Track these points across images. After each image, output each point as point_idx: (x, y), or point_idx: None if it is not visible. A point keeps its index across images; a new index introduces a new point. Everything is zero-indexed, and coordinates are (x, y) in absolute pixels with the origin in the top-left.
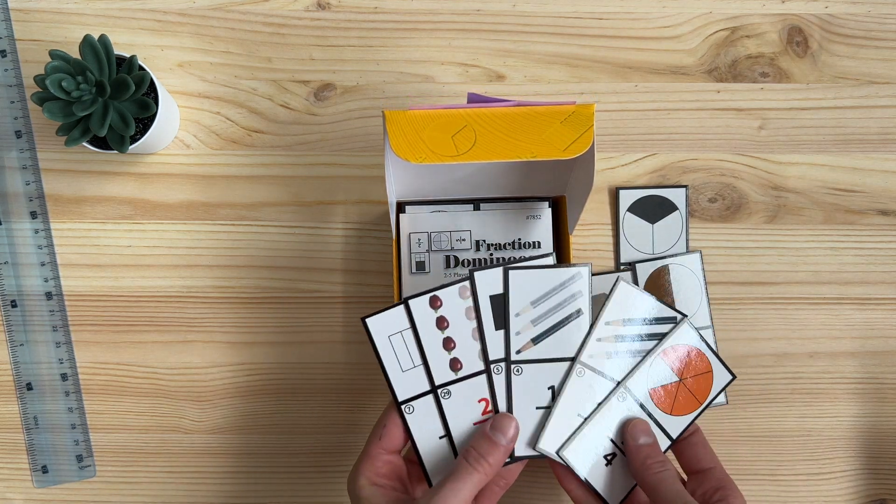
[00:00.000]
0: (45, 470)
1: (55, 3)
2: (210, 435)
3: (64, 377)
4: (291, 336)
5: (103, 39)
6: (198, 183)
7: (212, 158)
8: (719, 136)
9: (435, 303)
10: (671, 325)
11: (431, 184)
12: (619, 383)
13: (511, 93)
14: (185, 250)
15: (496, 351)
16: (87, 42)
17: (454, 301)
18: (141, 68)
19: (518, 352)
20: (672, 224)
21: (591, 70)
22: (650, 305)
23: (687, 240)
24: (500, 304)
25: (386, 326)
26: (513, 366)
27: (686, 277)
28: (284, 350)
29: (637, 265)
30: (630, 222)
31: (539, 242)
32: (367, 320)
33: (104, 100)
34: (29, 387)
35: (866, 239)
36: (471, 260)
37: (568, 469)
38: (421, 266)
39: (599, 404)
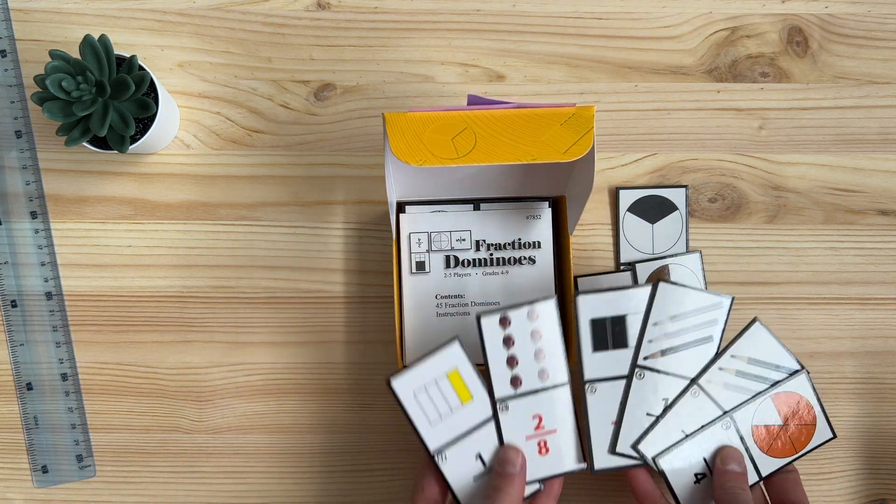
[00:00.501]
0: (45, 470)
1: (55, 3)
2: (210, 435)
3: (64, 377)
4: (291, 336)
5: (103, 39)
6: (198, 183)
7: (212, 158)
8: (719, 136)
9: (504, 323)
10: (791, 373)
11: (431, 184)
12: (726, 412)
13: (511, 93)
14: (185, 250)
15: (593, 371)
16: (87, 42)
17: (522, 322)
18: (141, 68)
19: (646, 358)
20: (672, 224)
21: (591, 70)
22: (778, 352)
23: (687, 240)
24: (602, 328)
25: (412, 384)
26: (636, 371)
27: (686, 277)
28: (284, 350)
29: (637, 265)
30: (630, 222)
31: (539, 242)
32: (393, 382)
33: (104, 100)
34: (29, 387)
35: (866, 239)
36: (471, 260)
37: (644, 478)
38: (421, 266)
39: (703, 426)
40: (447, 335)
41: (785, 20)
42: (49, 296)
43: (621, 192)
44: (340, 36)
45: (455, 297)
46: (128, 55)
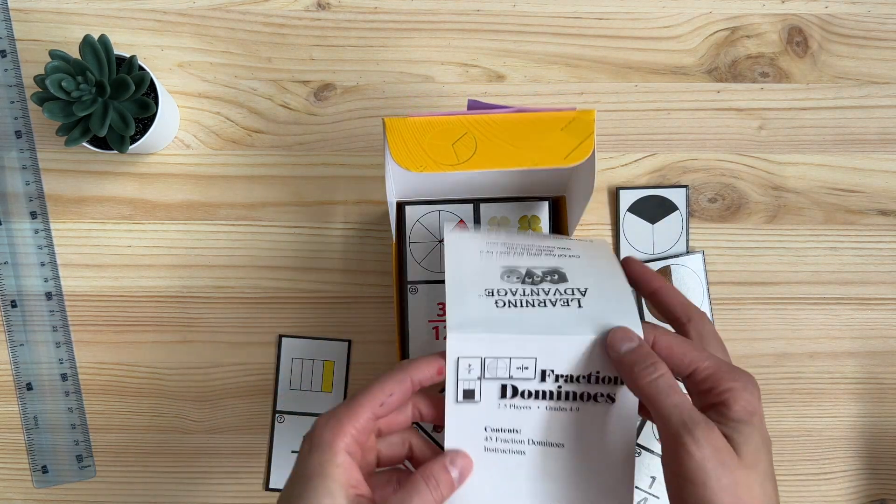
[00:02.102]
0: (45, 470)
1: (55, 3)
2: (210, 435)
3: (64, 377)
4: None
5: (103, 39)
6: (198, 183)
7: (212, 158)
8: (719, 136)
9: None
10: None
11: (431, 185)
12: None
13: (511, 93)
14: (185, 250)
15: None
16: (87, 42)
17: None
18: (141, 68)
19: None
20: (672, 224)
21: (591, 70)
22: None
23: (687, 240)
24: None
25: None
26: None
27: (688, 278)
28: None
29: None
30: (630, 222)
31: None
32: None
33: (104, 100)
34: (29, 387)
35: (866, 239)
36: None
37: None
38: (470, 395)
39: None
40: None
41: (785, 20)
42: (49, 296)
43: (621, 192)
44: (340, 36)
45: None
46: (128, 55)
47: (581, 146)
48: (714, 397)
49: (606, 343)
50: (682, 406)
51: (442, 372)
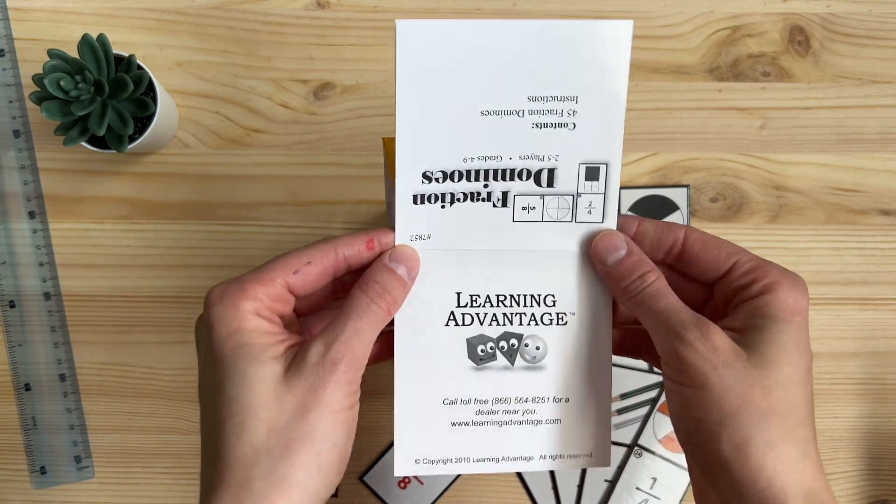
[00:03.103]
0: (43, 471)
1: (53, 2)
2: None
3: (62, 378)
4: None
5: (102, 39)
6: (197, 182)
7: (211, 158)
8: (720, 135)
9: None
10: (660, 387)
11: None
12: (631, 446)
13: None
14: (184, 250)
15: None
16: (85, 41)
17: None
18: (139, 67)
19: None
20: None
21: None
22: (640, 378)
23: None
24: None
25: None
26: None
27: None
28: None
29: None
30: None
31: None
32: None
33: (103, 99)
34: (27, 387)
35: (868, 239)
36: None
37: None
38: None
39: (620, 468)
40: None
41: (786, 19)
42: (47, 296)
43: (622, 191)
44: (340, 35)
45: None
46: (126, 54)
47: None
48: (752, 291)
49: (591, 253)
50: (672, 308)
51: (372, 245)
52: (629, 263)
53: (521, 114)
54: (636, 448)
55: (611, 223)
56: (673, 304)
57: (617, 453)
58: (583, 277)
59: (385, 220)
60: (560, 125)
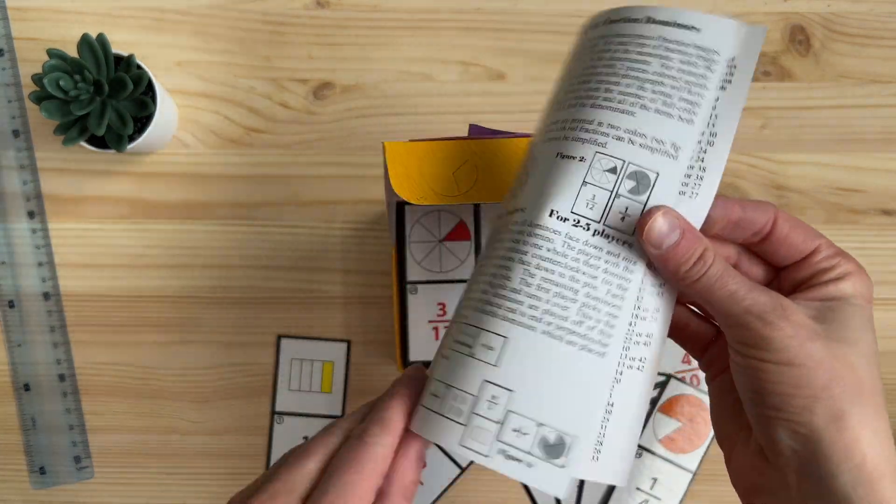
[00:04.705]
0: (42, 471)
1: (53, 2)
2: (209, 436)
3: (62, 378)
4: None
5: (101, 38)
6: (196, 182)
7: (210, 158)
8: None
9: None
10: (660, 387)
11: None
12: None
13: (511, 91)
14: (183, 250)
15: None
16: (84, 41)
17: None
18: (139, 67)
19: None
20: None
21: None
22: None
23: None
24: None
25: None
26: None
27: None
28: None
29: None
30: None
31: None
32: None
33: (102, 99)
34: (26, 387)
35: (868, 239)
36: None
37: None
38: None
39: None
40: None
41: (787, 19)
42: (46, 296)
43: None
44: (339, 34)
45: None
46: (126, 54)
47: None
48: (829, 275)
49: (640, 238)
50: (742, 292)
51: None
52: (685, 246)
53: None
54: (636, 448)
55: (706, 200)
56: (742, 285)
57: None
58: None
59: (385, 220)
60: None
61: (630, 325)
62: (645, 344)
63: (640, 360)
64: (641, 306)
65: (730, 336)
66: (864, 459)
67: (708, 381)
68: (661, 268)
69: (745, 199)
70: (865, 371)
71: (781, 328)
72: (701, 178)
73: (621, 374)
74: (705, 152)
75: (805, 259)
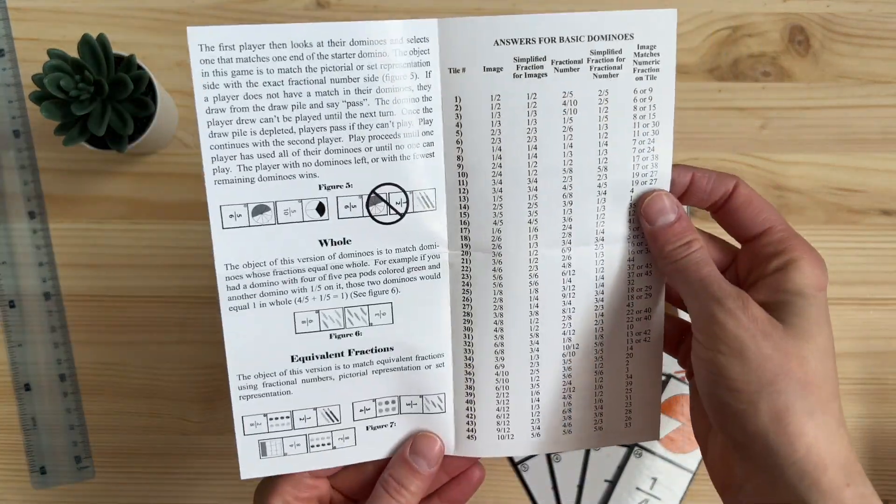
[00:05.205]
0: (43, 471)
1: (53, 2)
2: (210, 436)
3: (62, 378)
4: None
5: (101, 38)
6: (197, 182)
7: None
8: (721, 135)
9: None
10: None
11: None
12: (631, 446)
13: None
14: (184, 250)
15: None
16: (85, 41)
17: None
18: (139, 67)
19: None
20: None
21: None
22: None
23: None
24: None
25: None
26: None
27: None
28: None
29: None
30: None
31: None
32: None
33: (102, 99)
34: (27, 387)
35: (868, 239)
36: None
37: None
38: None
39: (620, 468)
40: None
41: (786, 19)
42: (47, 296)
43: None
44: None
45: None
46: (126, 54)
47: None
48: (778, 263)
49: (639, 211)
50: (714, 277)
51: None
52: (678, 228)
53: None
54: (636, 448)
55: (664, 183)
56: (714, 273)
57: (617, 453)
58: None
59: None
60: None
61: (628, 304)
62: (646, 318)
63: (645, 333)
64: (635, 286)
65: (694, 327)
66: (808, 452)
67: (688, 377)
68: (650, 243)
69: (709, 170)
70: (817, 364)
71: (738, 317)
72: (656, 165)
73: (631, 348)
74: (653, 141)
75: (755, 239)
